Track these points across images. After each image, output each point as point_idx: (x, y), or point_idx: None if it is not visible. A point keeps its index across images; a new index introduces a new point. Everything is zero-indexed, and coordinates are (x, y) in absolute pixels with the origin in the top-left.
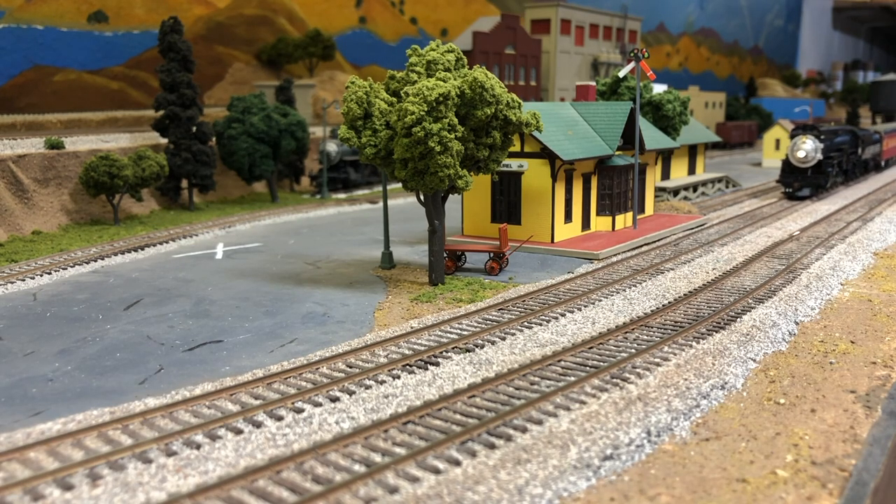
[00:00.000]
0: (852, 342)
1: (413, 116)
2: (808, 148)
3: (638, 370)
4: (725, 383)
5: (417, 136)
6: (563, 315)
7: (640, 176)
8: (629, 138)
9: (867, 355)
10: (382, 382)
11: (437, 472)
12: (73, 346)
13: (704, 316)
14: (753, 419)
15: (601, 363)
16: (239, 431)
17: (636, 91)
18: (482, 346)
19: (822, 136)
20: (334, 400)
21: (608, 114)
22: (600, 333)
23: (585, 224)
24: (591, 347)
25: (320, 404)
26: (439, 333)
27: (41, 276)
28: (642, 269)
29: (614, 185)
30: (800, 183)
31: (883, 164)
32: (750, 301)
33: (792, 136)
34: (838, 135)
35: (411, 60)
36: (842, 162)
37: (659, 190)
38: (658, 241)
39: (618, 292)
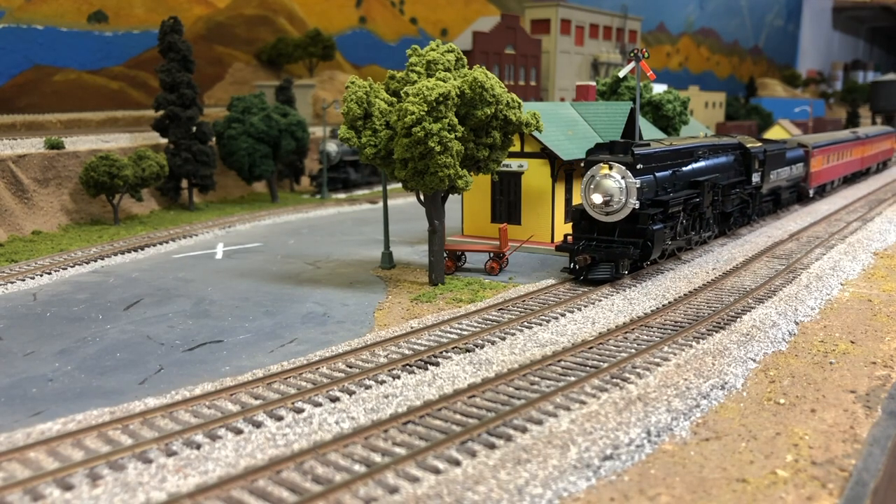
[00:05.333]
0: (852, 342)
1: (413, 116)
2: (610, 187)
3: (638, 370)
4: (725, 383)
5: (417, 136)
6: (563, 315)
7: None
8: (629, 138)
9: (867, 355)
10: (382, 382)
11: (437, 472)
12: (73, 346)
13: (704, 316)
14: (753, 419)
15: (601, 363)
16: (239, 431)
17: (636, 91)
18: (482, 346)
19: (643, 166)
20: (334, 400)
21: (608, 114)
22: (600, 333)
23: None
24: (591, 347)
25: (320, 404)
26: (439, 333)
27: (41, 276)
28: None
29: None
30: (590, 253)
31: (811, 192)
32: (750, 301)
33: (586, 164)
34: (695, 157)
35: (411, 60)
36: (702, 206)
37: None
38: None
39: (618, 292)
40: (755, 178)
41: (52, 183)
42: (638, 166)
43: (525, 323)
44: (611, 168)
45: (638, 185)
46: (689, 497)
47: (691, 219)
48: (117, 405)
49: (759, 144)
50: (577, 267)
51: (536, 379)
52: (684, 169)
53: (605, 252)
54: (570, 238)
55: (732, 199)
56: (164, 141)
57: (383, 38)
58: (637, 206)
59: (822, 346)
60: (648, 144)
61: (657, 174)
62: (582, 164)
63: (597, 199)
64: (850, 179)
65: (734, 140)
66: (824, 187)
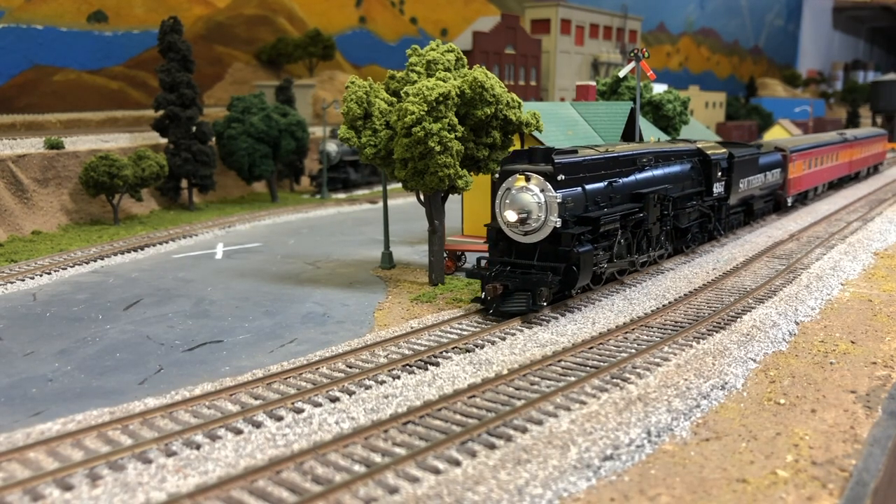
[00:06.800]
0: (852, 342)
1: (413, 116)
2: (527, 202)
3: (638, 370)
4: (725, 383)
5: (417, 135)
6: (562, 315)
7: None
8: (629, 138)
9: (867, 355)
10: (382, 383)
11: (437, 472)
12: (72, 346)
13: (704, 316)
14: (753, 419)
15: (601, 363)
16: (239, 432)
17: (636, 91)
18: (482, 346)
19: (565, 177)
20: (334, 400)
21: (608, 114)
22: (600, 333)
23: None
24: (591, 347)
25: (320, 404)
26: (439, 333)
27: (41, 276)
28: (642, 269)
29: None
30: (502, 281)
31: (790, 201)
32: (750, 301)
33: (501, 175)
34: (638, 165)
35: (411, 60)
36: (647, 222)
37: None
38: None
39: (618, 292)
40: (717, 188)
41: (52, 183)
42: (559, 177)
43: (525, 323)
44: (528, 180)
45: (559, 200)
46: (689, 497)
47: (634, 237)
48: (117, 405)
49: (723, 150)
50: (488, 298)
51: (536, 379)
52: (624, 180)
53: (520, 279)
54: (485, 262)
55: (689, 213)
56: (164, 141)
57: (383, 38)
58: (559, 225)
59: (823, 346)
60: (576, 151)
61: (587, 186)
62: (496, 176)
63: (510, 216)
64: (838, 185)
65: (692, 146)
66: (806, 194)
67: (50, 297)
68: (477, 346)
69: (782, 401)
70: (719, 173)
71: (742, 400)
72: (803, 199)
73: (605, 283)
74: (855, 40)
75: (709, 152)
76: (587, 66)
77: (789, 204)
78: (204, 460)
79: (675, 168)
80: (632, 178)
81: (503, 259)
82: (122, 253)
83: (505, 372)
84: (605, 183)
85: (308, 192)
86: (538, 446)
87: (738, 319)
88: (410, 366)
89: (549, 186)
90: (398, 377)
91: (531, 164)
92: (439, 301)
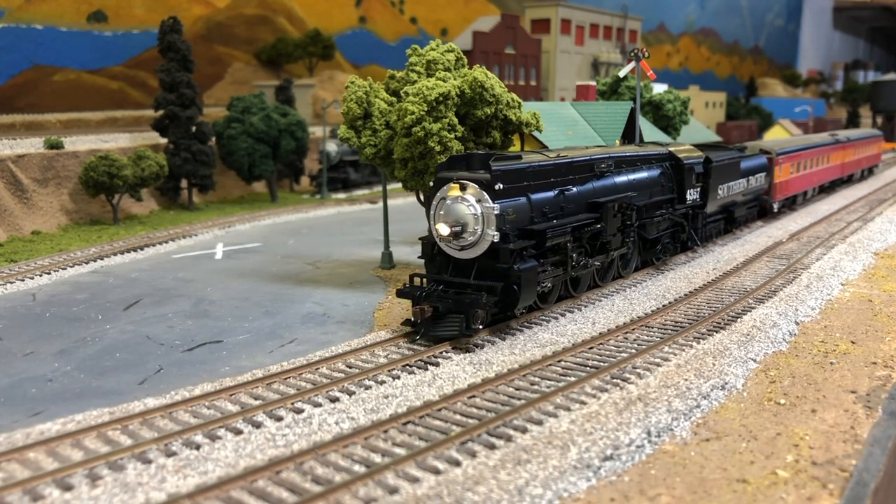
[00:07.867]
0: (853, 342)
1: (413, 116)
2: (462, 214)
3: (638, 370)
4: (726, 383)
5: (417, 135)
6: (563, 315)
7: None
8: (629, 138)
9: (868, 355)
10: (382, 383)
11: (436, 472)
12: (72, 347)
13: (705, 316)
14: (754, 419)
15: (601, 363)
16: (238, 432)
17: (636, 91)
18: (482, 346)
19: (504, 185)
20: (334, 400)
21: (608, 114)
22: (600, 333)
23: None
24: (591, 347)
25: (320, 405)
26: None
27: (41, 276)
28: (642, 269)
29: None
30: (432, 302)
31: (776, 207)
32: (750, 301)
33: (436, 182)
34: (595, 171)
35: (411, 60)
36: (605, 233)
37: None
38: None
39: (618, 292)
40: (692, 194)
41: (52, 183)
42: (497, 186)
43: (525, 323)
44: (463, 189)
45: (497, 212)
46: (689, 497)
47: (591, 251)
48: (117, 405)
49: (699, 154)
50: (416, 319)
51: (536, 379)
52: (578, 188)
53: (452, 300)
54: (418, 280)
55: (657, 223)
56: (164, 141)
57: (383, 38)
58: (497, 239)
59: (823, 346)
60: (520, 157)
61: (533, 196)
62: (431, 184)
63: (443, 229)
64: (829, 188)
65: (661, 149)
66: (794, 199)
67: (50, 297)
68: (477, 346)
69: (782, 401)
70: (694, 179)
71: (742, 400)
72: (791, 205)
73: (558, 301)
74: (855, 40)
75: (681, 156)
76: (587, 66)
77: (775, 210)
78: (204, 460)
79: (642, 174)
80: (588, 185)
81: (438, 276)
82: (122, 253)
83: (505, 372)
84: (556, 192)
85: (308, 192)
86: (538, 446)
87: (739, 319)
88: (410, 366)
89: (487, 196)
90: (398, 377)
91: (469, 171)
92: None
